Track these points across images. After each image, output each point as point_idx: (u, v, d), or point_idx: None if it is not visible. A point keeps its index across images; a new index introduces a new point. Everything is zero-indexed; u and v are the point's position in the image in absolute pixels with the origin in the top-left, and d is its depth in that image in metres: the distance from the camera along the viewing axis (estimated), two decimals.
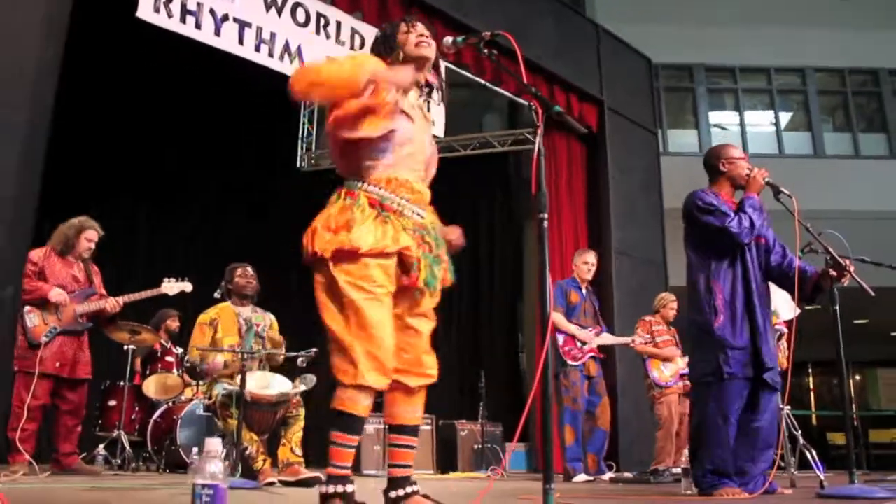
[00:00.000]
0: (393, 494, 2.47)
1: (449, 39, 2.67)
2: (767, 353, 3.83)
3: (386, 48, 2.60)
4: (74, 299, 5.42)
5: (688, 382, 6.67)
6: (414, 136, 2.55)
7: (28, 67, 4.46)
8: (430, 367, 2.54)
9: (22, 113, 4.36)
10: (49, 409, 5.33)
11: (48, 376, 5.20)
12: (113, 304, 5.54)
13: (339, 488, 2.32)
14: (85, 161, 8.63)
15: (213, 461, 1.64)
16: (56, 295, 5.27)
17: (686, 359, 6.65)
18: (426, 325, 2.56)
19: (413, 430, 2.56)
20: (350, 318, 2.35)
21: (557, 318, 6.51)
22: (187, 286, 5.84)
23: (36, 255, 5.37)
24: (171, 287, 5.80)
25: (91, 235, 5.58)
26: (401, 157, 2.51)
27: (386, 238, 2.39)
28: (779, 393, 4.03)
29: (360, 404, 2.35)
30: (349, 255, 2.36)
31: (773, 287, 4.19)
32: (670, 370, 6.75)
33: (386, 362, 2.36)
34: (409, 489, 2.46)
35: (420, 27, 2.63)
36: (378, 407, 7.34)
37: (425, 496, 2.46)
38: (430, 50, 2.62)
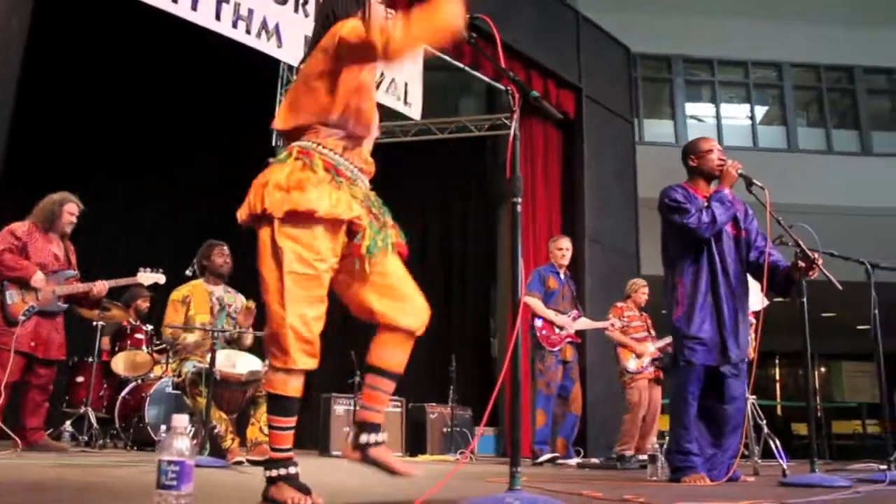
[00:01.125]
0: (364, 439, 2.41)
1: None
2: (732, 345, 3.92)
3: (356, 4, 2.47)
4: (53, 280, 5.36)
5: (657, 368, 6.79)
6: (369, 106, 2.50)
7: None
8: (422, 305, 2.44)
9: None
10: (17, 385, 5.27)
11: (22, 354, 5.15)
12: (101, 287, 5.51)
13: (283, 471, 2.29)
14: (61, 142, 8.54)
15: (179, 437, 1.63)
16: (37, 281, 5.21)
17: (658, 343, 6.78)
18: (391, 267, 2.45)
19: (392, 376, 2.46)
20: (285, 291, 2.28)
21: (535, 303, 6.54)
22: (161, 278, 5.83)
23: (19, 228, 5.31)
24: (146, 277, 5.79)
25: (72, 209, 5.52)
26: (358, 126, 2.46)
27: (340, 205, 2.32)
28: (743, 383, 4.11)
29: (290, 385, 2.31)
30: (301, 218, 2.29)
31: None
32: (641, 358, 6.81)
33: (315, 344, 2.32)
34: (379, 437, 2.42)
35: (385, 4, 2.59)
36: (347, 388, 7.30)
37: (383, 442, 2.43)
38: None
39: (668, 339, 6.80)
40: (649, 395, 6.78)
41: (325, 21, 2.48)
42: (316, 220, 2.30)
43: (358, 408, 2.52)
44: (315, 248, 2.31)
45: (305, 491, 2.26)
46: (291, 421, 2.34)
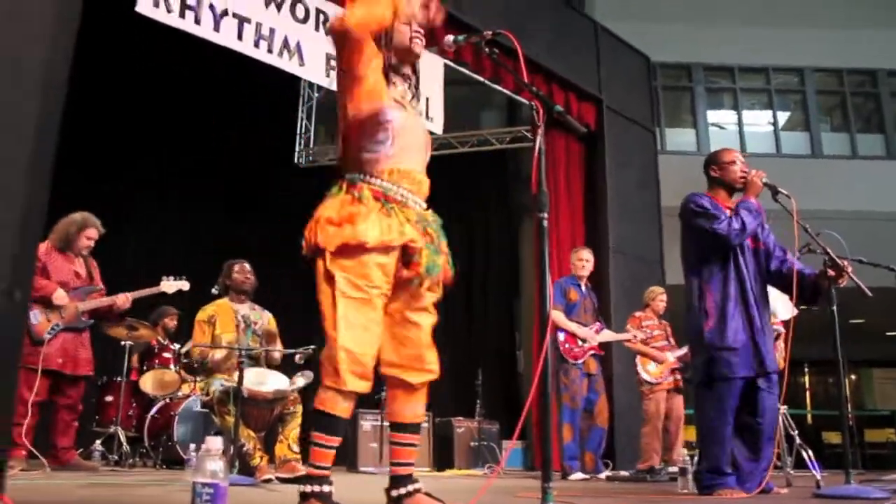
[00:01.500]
0: (395, 493, 2.46)
1: (450, 38, 2.67)
2: (768, 355, 3.86)
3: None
4: (76, 296, 5.41)
5: (678, 378, 6.73)
6: (408, 124, 2.53)
7: (37, 64, 4.43)
8: (431, 362, 2.51)
9: (31, 109, 4.33)
10: (46, 405, 5.32)
11: (50, 373, 5.20)
12: (123, 300, 5.54)
13: (317, 488, 2.31)
14: (82, 156, 8.60)
15: (213, 459, 1.63)
16: (59, 298, 5.26)
17: (677, 352, 6.73)
18: (426, 319, 2.53)
19: (414, 428, 2.55)
20: (340, 316, 2.33)
21: (557, 316, 6.50)
22: (185, 285, 5.85)
23: (38, 250, 5.35)
24: (169, 286, 5.81)
25: (92, 234, 5.57)
26: (400, 147, 2.49)
27: (392, 231, 2.38)
28: (775, 396, 4.05)
29: (339, 406, 2.34)
30: (352, 251, 2.35)
31: (770, 287, 4.21)
32: (661, 367, 6.76)
33: (367, 367, 2.35)
34: (410, 487, 2.46)
35: (416, 22, 2.62)
36: (375, 404, 7.34)
37: (427, 494, 2.47)
38: (420, 49, 2.61)
39: (686, 349, 6.76)
40: (670, 405, 6.73)
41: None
42: (367, 250, 2.35)
43: (389, 464, 2.56)
44: (367, 276, 2.36)
45: None
46: (335, 440, 2.37)
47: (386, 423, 7.10)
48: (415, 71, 2.69)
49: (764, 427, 3.86)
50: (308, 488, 2.32)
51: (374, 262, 2.37)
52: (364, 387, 2.36)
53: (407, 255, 2.44)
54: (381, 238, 2.35)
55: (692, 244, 4.13)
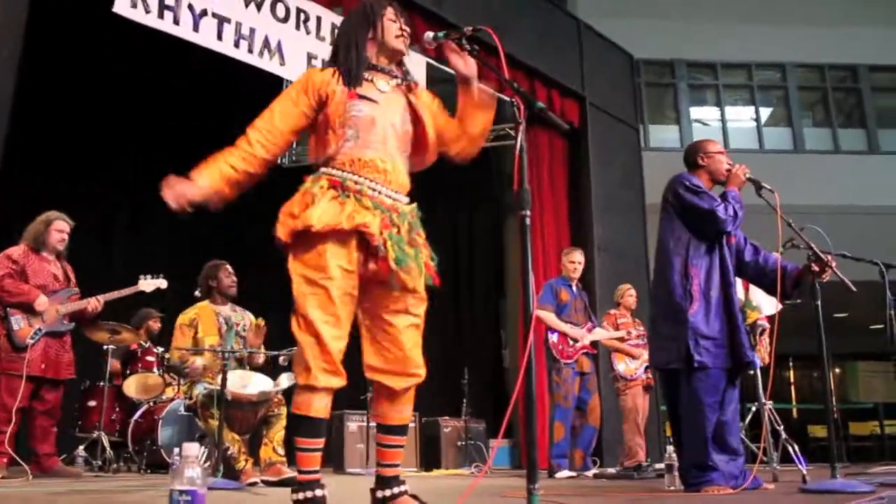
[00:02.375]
0: (380, 494, 2.45)
1: (430, 35, 2.63)
2: (746, 346, 3.83)
3: (366, 21, 2.59)
4: (56, 299, 5.35)
5: (650, 376, 6.74)
6: (378, 118, 2.50)
7: None
8: (416, 366, 2.47)
9: None
10: (26, 411, 5.26)
11: (32, 378, 5.14)
12: (94, 304, 5.49)
13: (310, 494, 2.30)
14: (60, 157, 8.53)
15: (191, 466, 1.60)
16: (41, 304, 5.20)
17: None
18: (404, 321, 2.47)
19: (400, 430, 2.53)
20: (300, 316, 2.34)
21: (548, 316, 6.49)
22: (162, 283, 5.81)
23: (15, 252, 5.30)
24: (147, 284, 5.76)
25: (60, 226, 5.49)
26: (365, 140, 2.47)
27: (341, 216, 2.34)
28: (738, 385, 4.01)
29: (313, 406, 2.33)
30: (305, 238, 2.35)
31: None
32: (636, 363, 6.80)
33: (335, 362, 2.33)
34: (396, 489, 2.44)
35: (403, 21, 2.63)
36: (361, 405, 7.32)
37: (413, 496, 2.44)
38: (405, 46, 2.63)
39: None
40: (642, 401, 6.82)
41: (334, 49, 2.63)
42: (317, 236, 2.33)
43: (375, 466, 2.54)
44: (321, 265, 2.33)
45: None
46: (318, 442, 2.36)
47: (372, 424, 7.11)
48: (400, 64, 2.69)
49: (727, 420, 3.81)
50: (301, 496, 2.30)
51: (328, 251, 2.34)
52: (336, 382, 2.34)
53: (369, 248, 2.39)
54: (326, 221, 2.32)
55: (680, 222, 3.98)
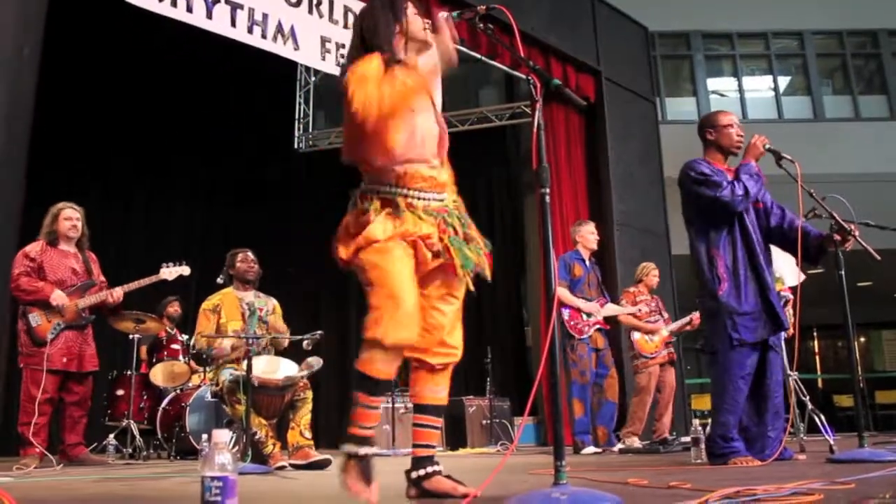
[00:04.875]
0: (414, 474, 2.48)
1: (444, 14, 2.62)
2: (781, 313, 3.84)
3: (392, 12, 2.54)
4: (75, 293, 5.40)
5: (671, 351, 6.77)
6: (418, 123, 2.51)
7: (4, 63, 4.42)
8: (453, 345, 2.55)
9: None
10: (56, 402, 5.34)
11: (56, 371, 5.21)
12: (116, 295, 5.53)
13: (355, 449, 2.33)
14: (80, 148, 8.61)
15: (221, 452, 1.62)
16: (56, 299, 5.25)
17: (672, 326, 6.88)
18: (451, 307, 2.57)
19: (436, 410, 2.56)
20: (377, 285, 2.36)
21: (562, 292, 6.47)
22: (185, 270, 5.83)
23: (32, 250, 5.35)
24: (169, 272, 5.79)
25: (69, 214, 5.52)
26: (409, 147, 2.48)
27: (404, 225, 2.41)
28: (782, 356, 4.03)
29: (376, 365, 2.33)
30: (368, 246, 2.40)
31: (777, 253, 4.18)
32: (655, 338, 6.80)
33: (407, 319, 2.33)
34: (430, 469, 2.47)
35: (422, 13, 2.63)
36: (388, 387, 7.35)
37: (448, 476, 2.47)
38: (432, 39, 2.61)
39: (685, 320, 6.79)
40: (663, 378, 6.83)
41: (355, 41, 2.56)
42: (381, 241, 2.39)
43: (410, 447, 2.58)
44: (389, 250, 2.39)
45: (368, 480, 2.29)
46: (377, 401, 2.41)
47: (398, 405, 7.15)
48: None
49: (772, 388, 3.84)
50: (352, 449, 2.33)
51: (392, 245, 2.39)
52: (405, 336, 2.33)
53: (432, 254, 2.46)
54: (390, 232, 2.39)
55: (695, 211, 4.04)
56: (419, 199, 2.48)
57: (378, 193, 2.47)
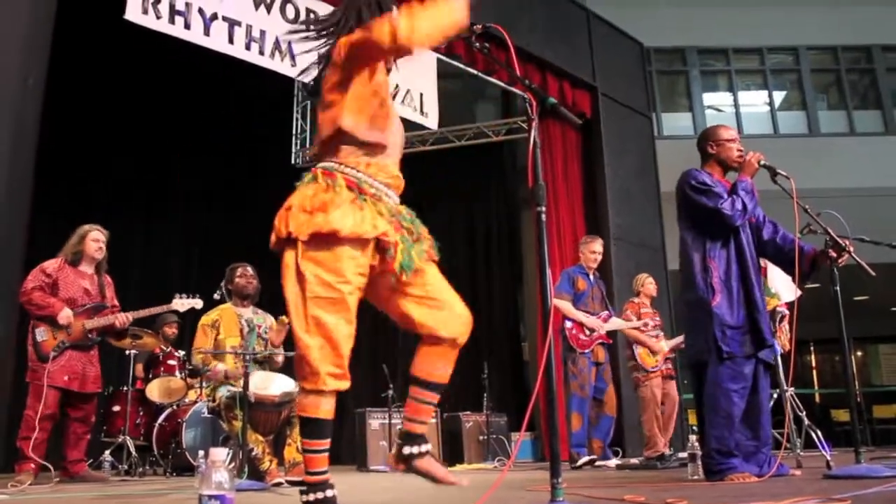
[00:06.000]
0: (407, 450, 2.43)
1: None
2: (767, 330, 3.84)
3: (375, 9, 2.48)
4: (84, 314, 5.40)
5: (669, 366, 6.73)
6: (393, 119, 2.51)
7: (9, 89, 4.47)
8: (462, 313, 2.48)
9: (4, 142, 4.38)
10: (58, 418, 5.33)
11: (58, 389, 5.21)
12: (123, 320, 5.53)
13: (320, 495, 2.29)
14: (76, 166, 8.63)
15: (218, 470, 1.62)
16: (64, 318, 5.25)
17: (671, 342, 6.78)
18: (431, 273, 2.47)
19: (437, 388, 2.48)
20: (310, 317, 2.28)
21: (565, 306, 6.49)
22: (198, 303, 5.83)
23: (50, 266, 5.38)
24: (181, 304, 5.81)
25: (96, 236, 5.56)
26: (388, 135, 2.47)
27: (364, 223, 2.32)
28: (770, 372, 4.02)
29: (321, 408, 2.30)
30: (325, 240, 2.29)
31: (772, 269, 4.19)
32: (657, 356, 6.79)
33: (343, 366, 2.30)
34: (423, 447, 2.43)
35: None
36: (383, 402, 7.31)
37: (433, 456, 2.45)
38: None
39: (681, 338, 6.78)
40: (665, 391, 6.80)
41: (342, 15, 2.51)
42: (340, 240, 2.29)
43: (402, 419, 2.52)
44: (339, 269, 2.30)
45: None
46: (325, 443, 2.34)
47: (394, 422, 7.13)
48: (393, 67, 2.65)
49: (762, 403, 3.84)
50: (311, 497, 2.30)
51: (347, 254, 2.31)
52: (343, 386, 2.32)
53: (381, 248, 2.37)
54: (353, 229, 2.29)
55: (692, 221, 4.02)
56: (385, 194, 2.44)
57: (343, 174, 2.39)
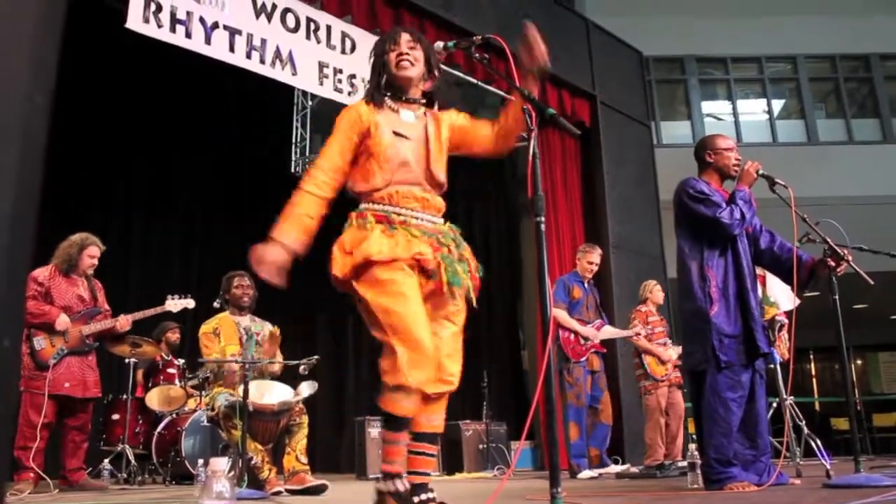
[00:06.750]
0: (416, 500, 2.47)
1: (440, 44, 2.67)
2: (762, 339, 3.83)
3: (376, 68, 2.69)
4: (80, 320, 5.40)
5: (678, 375, 6.70)
6: (411, 152, 2.59)
7: (17, 108, 4.47)
8: (450, 373, 2.53)
9: (11, 156, 4.37)
10: (55, 427, 5.32)
11: (58, 396, 5.20)
12: (123, 322, 5.54)
13: (392, 486, 2.39)
14: (76, 173, 8.61)
15: (219, 481, 1.63)
16: (61, 324, 5.26)
17: (678, 349, 6.67)
18: (447, 330, 2.56)
19: (431, 438, 2.55)
20: (387, 324, 2.38)
21: (560, 314, 6.48)
22: (190, 303, 5.86)
23: (41, 274, 5.36)
24: (174, 304, 5.82)
25: (93, 252, 5.56)
26: (401, 175, 2.56)
27: (397, 247, 2.44)
28: (765, 380, 4.02)
29: (399, 404, 2.37)
30: (365, 269, 2.42)
31: (771, 278, 4.19)
32: (665, 364, 6.76)
33: (426, 360, 2.36)
34: (424, 496, 2.47)
35: (404, 40, 2.65)
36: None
37: (442, 503, 2.48)
38: (411, 69, 2.64)
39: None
40: (671, 400, 6.75)
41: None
42: (376, 264, 2.41)
43: (405, 473, 2.54)
44: (391, 280, 2.41)
45: None
46: (402, 437, 2.43)
47: None
48: (425, 95, 2.74)
49: (760, 413, 3.84)
50: (383, 486, 2.40)
51: (389, 275, 2.42)
52: (426, 378, 2.37)
53: (424, 271, 2.48)
54: (386, 253, 2.41)
55: (690, 229, 4.02)
56: (413, 217, 2.54)
57: (371, 211, 2.53)
